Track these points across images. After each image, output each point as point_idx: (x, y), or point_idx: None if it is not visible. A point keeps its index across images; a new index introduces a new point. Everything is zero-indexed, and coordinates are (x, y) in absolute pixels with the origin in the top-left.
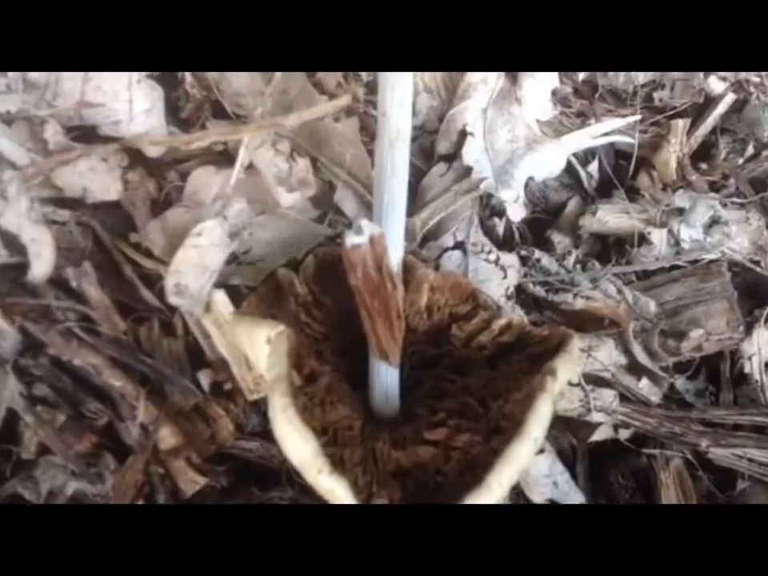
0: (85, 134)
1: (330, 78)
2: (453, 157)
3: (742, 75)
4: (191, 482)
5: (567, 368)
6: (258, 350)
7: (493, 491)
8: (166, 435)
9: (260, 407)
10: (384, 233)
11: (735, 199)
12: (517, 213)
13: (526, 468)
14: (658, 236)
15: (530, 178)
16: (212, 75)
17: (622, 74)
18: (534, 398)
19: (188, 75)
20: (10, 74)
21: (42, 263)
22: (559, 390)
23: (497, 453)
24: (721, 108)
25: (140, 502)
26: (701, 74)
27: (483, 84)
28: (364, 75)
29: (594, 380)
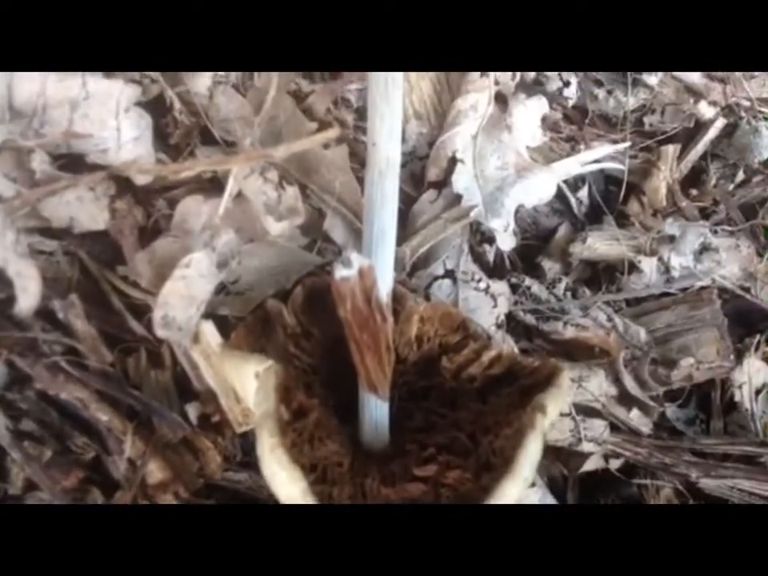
0: (72, 162)
1: (319, 105)
2: (443, 183)
3: (733, 99)
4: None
5: (557, 403)
6: (247, 384)
7: None
8: (154, 469)
9: (249, 438)
10: (373, 265)
11: (726, 227)
12: (507, 242)
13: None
14: (649, 264)
15: (521, 206)
16: (200, 101)
17: (612, 98)
18: (524, 435)
19: (176, 101)
20: None
21: (28, 297)
22: (549, 425)
23: (486, 490)
24: (711, 133)
25: None
26: (691, 99)
27: (473, 111)
28: (353, 100)
29: (585, 410)
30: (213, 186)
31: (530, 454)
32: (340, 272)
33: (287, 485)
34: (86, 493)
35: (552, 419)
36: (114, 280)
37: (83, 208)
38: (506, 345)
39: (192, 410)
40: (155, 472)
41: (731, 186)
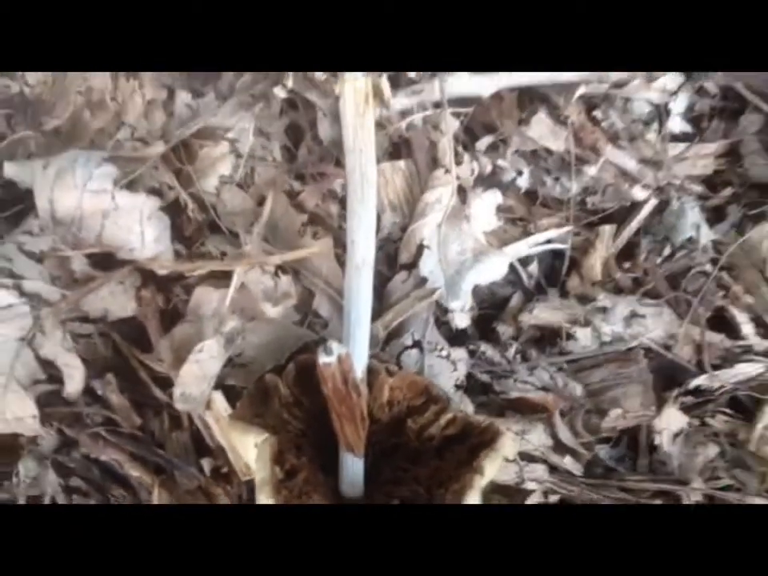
0: (104, 259)
1: (309, 201)
2: (412, 266)
3: (664, 182)
4: None
5: (495, 464)
6: (248, 450)
7: None
8: None
9: (252, 485)
10: (350, 352)
11: (649, 300)
12: (463, 321)
13: None
14: (583, 332)
15: (477, 285)
16: (209, 199)
17: (558, 184)
18: (465, 493)
19: (189, 202)
20: (41, 215)
21: (74, 383)
22: (486, 482)
23: None
24: (644, 212)
25: None
26: (626, 184)
27: (438, 203)
28: (339, 191)
29: (527, 457)
30: (221, 274)
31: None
32: (323, 358)
33: None
34: None
35: (489, 478)
36: (141, 357)
37: (115, 300)
38: (464, 404)
39: (206, 464)
40: None
41: (659, 260)
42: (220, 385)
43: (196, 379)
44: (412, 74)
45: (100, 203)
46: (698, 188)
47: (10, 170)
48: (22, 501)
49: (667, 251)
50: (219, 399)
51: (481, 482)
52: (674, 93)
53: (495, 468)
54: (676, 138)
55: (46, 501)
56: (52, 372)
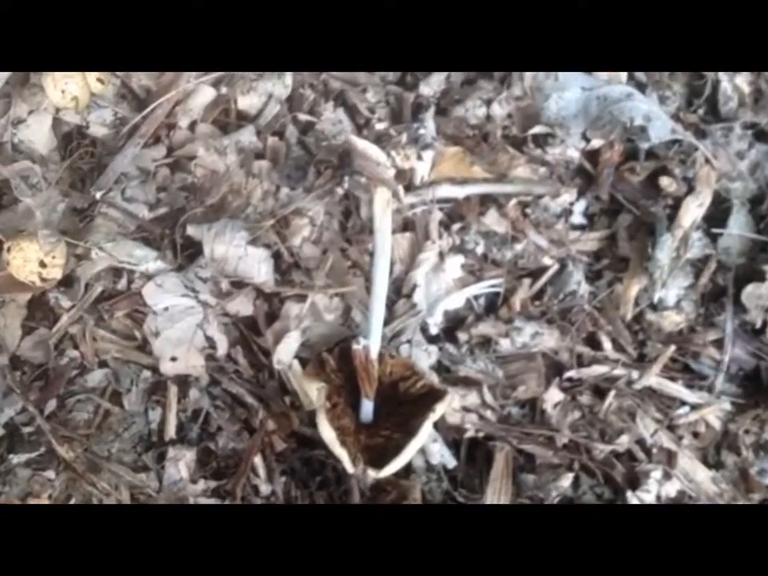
0: (238, 282)
1: (353, 254)
2: (410, 296)
3: (564, 254)
4: (282, 443)
5: (442, 409)
6: (311, 392)
7: (407, 455)
8: (271, 423)
9: (312, 412)
10: (369, 344)
11: (546, 325)
12: (435, 330)
13: (425, 446)
14: (506, 341)
15: (446, 311)
16: (296, 250)
17: (500, 252)
18: (423, 423)
19: (286, 252)
20: (205, 256)
21: (221, 349)
22: (437, 419)
23: (407, 441)
24: (550, 272)
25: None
26: (540, 255)
27: (427, 260)
28: (370, 248)
29: (466, 410)
30: (301, 295)
31: (426, 429)
32: (354, 346)
33: (327, 435)
34: (240, 434)
35: (437, 417)
36: (255, 338)
37: (242, 305)
38: (432, 377)
39: (287, 399)
40: (271, 424)
41: (555, 301)
42: (297, 356)
43: (285, 352)
44: (417, 182)
45: (237, 251)
46: (586, 258)
47: (189, 229)
48: (189, 413)
49: (561, 296)
50: (296, 365)
51: (434, 417)
52: (572, 203)
53: (442, 411)
54: (575, 228)
55: (201, 418)
56: (211, 343)
